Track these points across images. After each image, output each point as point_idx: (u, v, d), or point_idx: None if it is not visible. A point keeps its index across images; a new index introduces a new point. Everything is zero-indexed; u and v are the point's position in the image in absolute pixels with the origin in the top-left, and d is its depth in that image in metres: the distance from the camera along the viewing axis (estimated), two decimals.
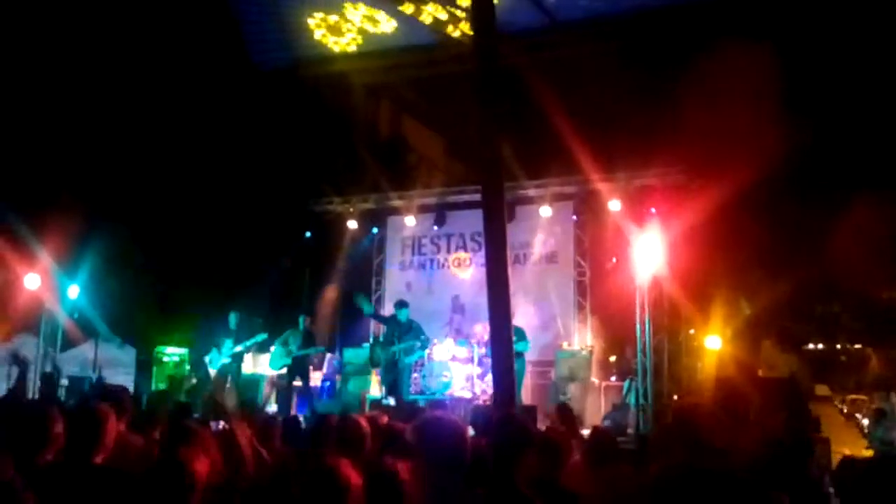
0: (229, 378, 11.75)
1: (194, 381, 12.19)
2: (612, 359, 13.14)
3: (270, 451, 4.66)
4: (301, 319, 12.13)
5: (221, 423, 6.30)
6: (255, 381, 12.64)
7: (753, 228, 11.55)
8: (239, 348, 11.78)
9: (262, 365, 13.11)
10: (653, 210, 12.09)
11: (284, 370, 12.00)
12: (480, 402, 10.90)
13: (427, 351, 11.78)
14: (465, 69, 7.98)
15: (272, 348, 12.29)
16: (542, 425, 9.61)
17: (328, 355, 14.05)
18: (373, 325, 14.69)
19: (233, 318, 11.99)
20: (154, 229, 13.38)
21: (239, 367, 12.04)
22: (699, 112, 9.94)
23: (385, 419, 5.41)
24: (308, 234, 15.20)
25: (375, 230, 15.33)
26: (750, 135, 9.98)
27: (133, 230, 13.11)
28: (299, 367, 11.90)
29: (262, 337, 11.86)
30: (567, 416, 6.55)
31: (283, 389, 12.11)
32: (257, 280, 14.05)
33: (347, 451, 3.54)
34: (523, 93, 10.65)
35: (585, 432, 8.63)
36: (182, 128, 13.13)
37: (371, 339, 13.94)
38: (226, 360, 11.78)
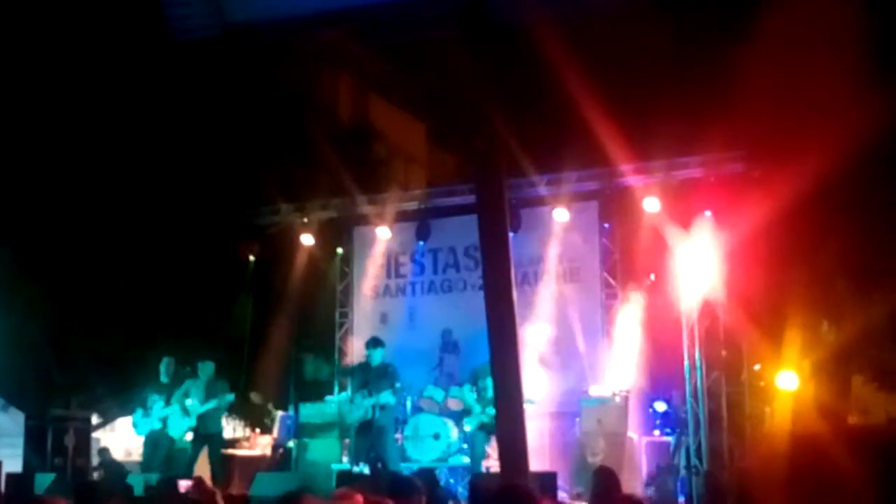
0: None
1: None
2: (655, 406, 13.04)
3: None
4: (200, 367, 12.00)
5: None
6: (181, 450, 12.48)
7: (838, 229, 11.49)
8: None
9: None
10: (704, 211, 12.01)
11: (190, 435, 11.92)
12: (484, 469, 10.89)
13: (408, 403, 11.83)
14: (451, 30, 7.86)
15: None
16: (564, 495, 9.50)
17: (279, 413, 13.96)
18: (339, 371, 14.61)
19: (164, 368, 11.89)
20: (48, 250, 13.17)
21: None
22: (763, 77, 9.86)
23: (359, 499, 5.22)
24: (252, 258, 15.06)
25: (340, 250, 15.19)
26: (833, 106, 9.91)
27: (19, 252, 12.87)
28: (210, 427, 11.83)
29: (228, 399, 11.80)
30: (608, 485, 6.36)
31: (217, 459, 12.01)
32: (186, 316, 13.94)
33: None
34: (529, 58, 10.55)
35: None
36: (84, 117, 12.98)
37: (336, 391, 13.89)
38: (155, 426, 11.72)
